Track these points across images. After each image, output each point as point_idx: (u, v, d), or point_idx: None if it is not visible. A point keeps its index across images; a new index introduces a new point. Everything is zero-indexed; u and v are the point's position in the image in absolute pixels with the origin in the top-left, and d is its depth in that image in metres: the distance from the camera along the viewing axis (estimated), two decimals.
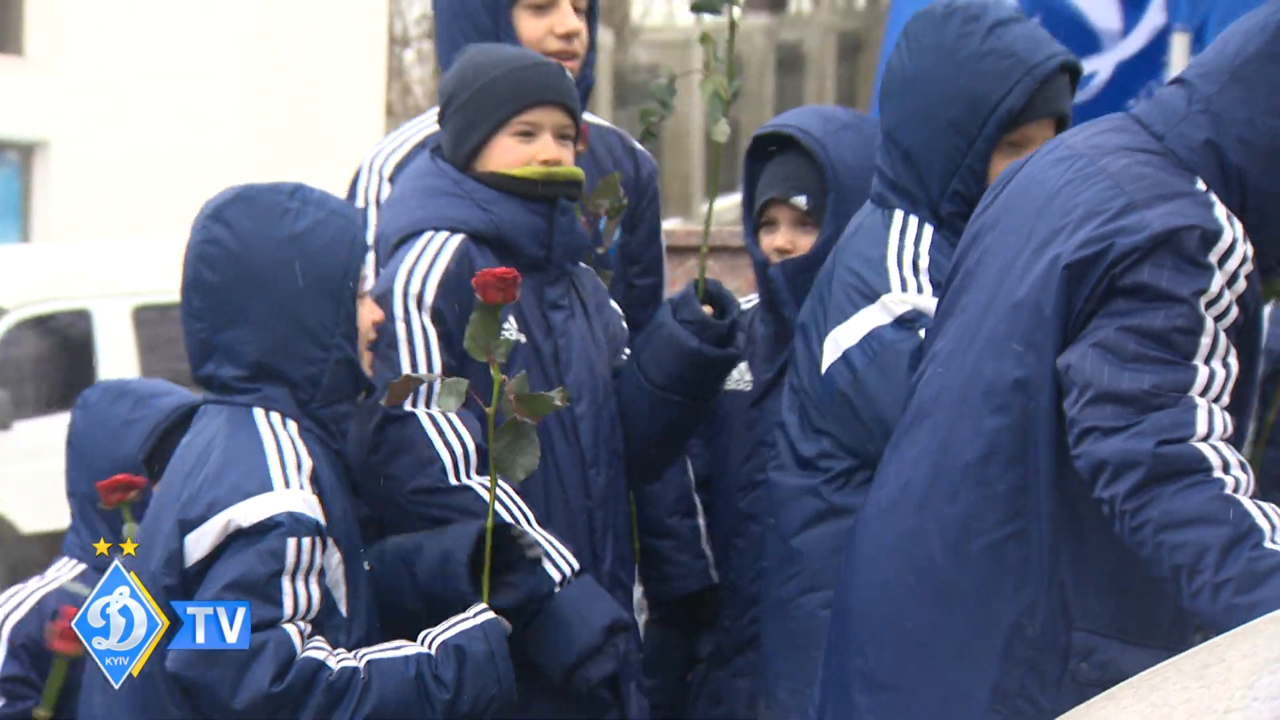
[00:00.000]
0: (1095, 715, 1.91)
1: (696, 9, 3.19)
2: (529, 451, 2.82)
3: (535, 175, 3.16)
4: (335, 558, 2.83)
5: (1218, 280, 2.54)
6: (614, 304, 3.40)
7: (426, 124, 3.53)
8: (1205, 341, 2.52)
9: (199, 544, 2.76)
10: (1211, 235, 2.56)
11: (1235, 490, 2.47)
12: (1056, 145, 2.77)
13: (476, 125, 3.18)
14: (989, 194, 2.83)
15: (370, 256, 3.17)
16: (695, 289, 3.26)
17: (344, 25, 20.56)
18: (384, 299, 3.07)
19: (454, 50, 3.34)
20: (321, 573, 2.80)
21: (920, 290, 2.93)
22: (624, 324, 3.40)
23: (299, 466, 2.82)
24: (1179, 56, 4.74)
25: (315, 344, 2.87)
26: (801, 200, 3.40)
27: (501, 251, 3.13)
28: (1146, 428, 2.48)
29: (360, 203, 3.47)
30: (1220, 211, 2.59)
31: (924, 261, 2.97)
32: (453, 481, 3.03)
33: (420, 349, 3.07)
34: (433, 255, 3.12)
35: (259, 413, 2.89)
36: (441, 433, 3.03)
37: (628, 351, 3.34)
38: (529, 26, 3.39)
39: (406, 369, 3.05)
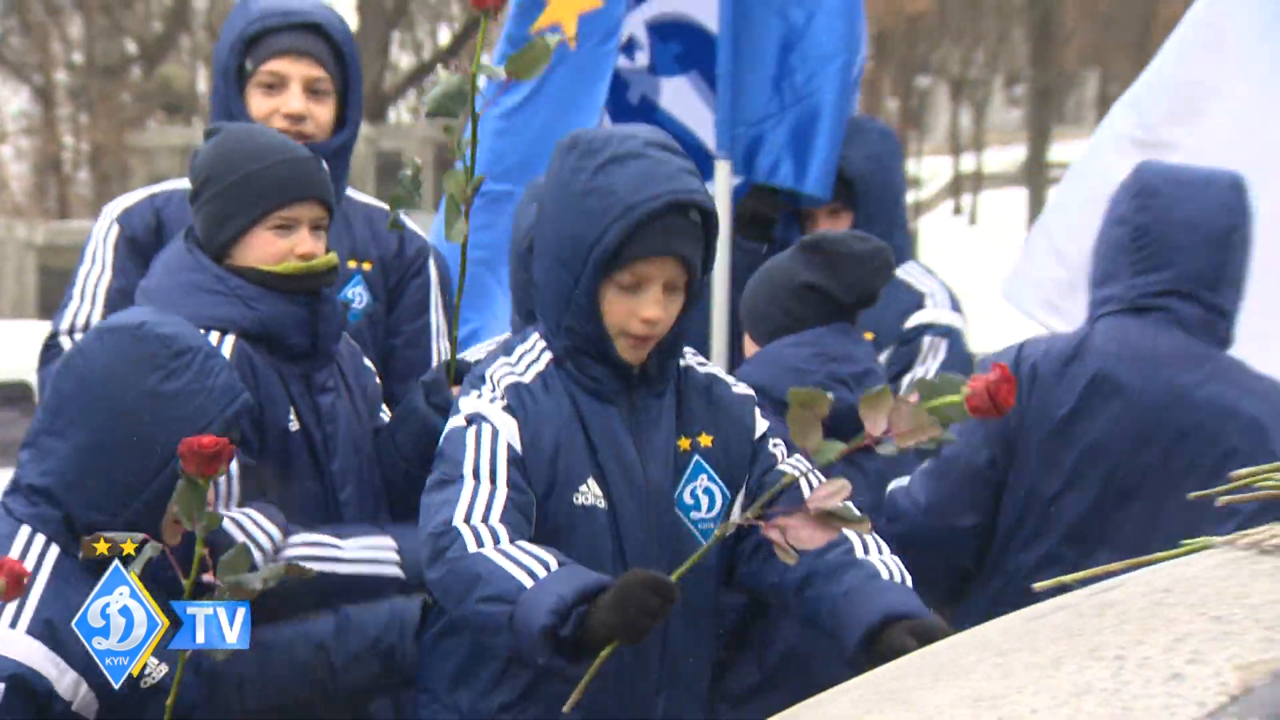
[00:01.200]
0: None
1: (433, 114, 3.10)
2: None
3: (296, 270, 3.17)
4: (81, 690, 2.77)
5: None
6: (367, 361, 3.45)
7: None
8: None
9: None
10: None
11: None
12: None
13: (234, 216, 3.16)
14: None
15: None
16: (446, 371, 3.27)
17: None
18: None
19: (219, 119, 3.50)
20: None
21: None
22: (377, 379, 3.44)
23: (21, 609, 2.76)
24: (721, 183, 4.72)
25: (110, 498, 2.82)
26: None
27: (270, 345, 3.16)
28: None
29: (92, 247, 3.51)
30: None
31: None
32: None
33: None
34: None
35: (24, 531, 2.84)
36: (246, 532, 3.05)
37: (385, 412, 3.40)
38: (258, 105, 3.52)
39: None
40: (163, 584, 2.55)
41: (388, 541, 3.16)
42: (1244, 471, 2.04)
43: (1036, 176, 34.32)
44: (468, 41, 36.14)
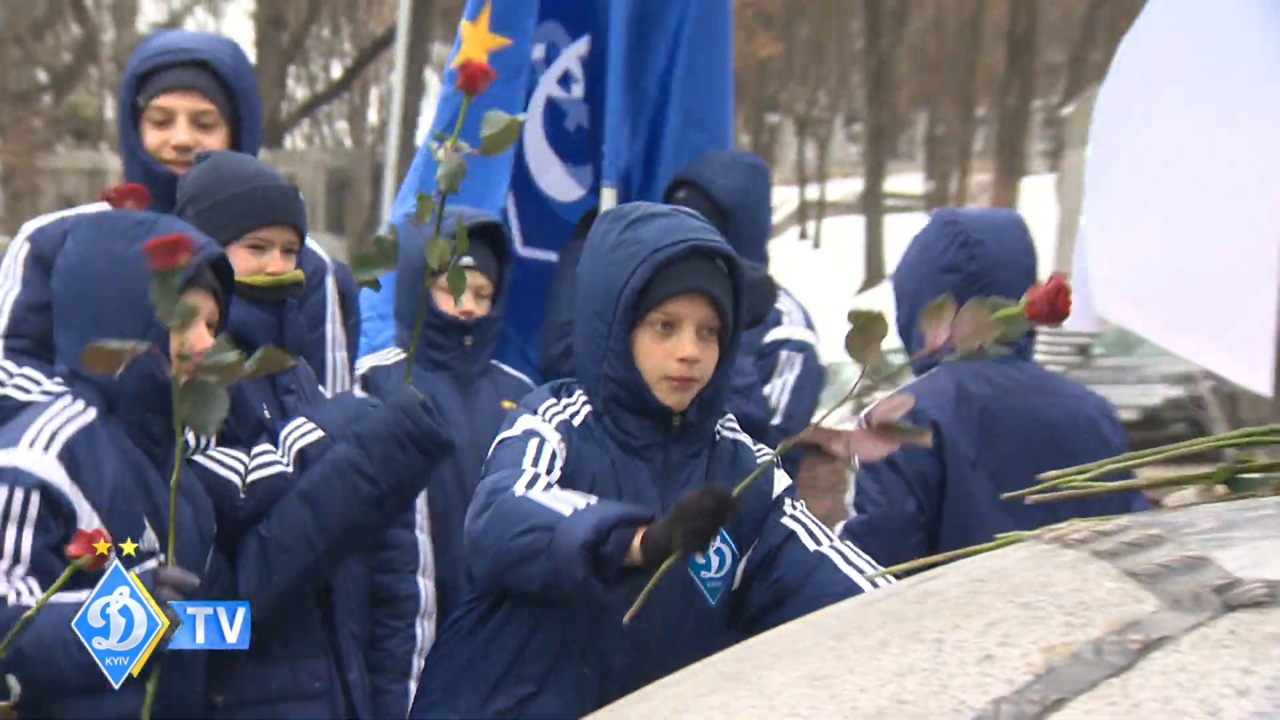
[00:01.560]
0: None
1: (359, 269, 3.06)
2: (217, 407, 2.59)
3: (265, 283, 3.26)
4: (95, 524, 2.74)
5: None
6: (321, 389, 3.51)
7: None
8: None
9: None
10: None
11: None
12: None
13: (215, 234, 3.17)
14: None
15: None
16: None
17: None
18: None
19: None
20: (47, 529, 2.72)
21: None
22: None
23: (54, 436, 2.78)
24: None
25: None
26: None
27: (241, 345, 3.03)
28: None
29: (6, 261, 3.49)
30: None
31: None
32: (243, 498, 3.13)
33: None
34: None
35: (65, 398, 2.88)
36: (223, 464, 3.11)
37: None
38: (151, 137, 3.52)
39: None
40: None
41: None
42: (1051, 474, 2.07)
43: (872, 205, 34.78)
44: (359, 75, 35.92)
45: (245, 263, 3.25)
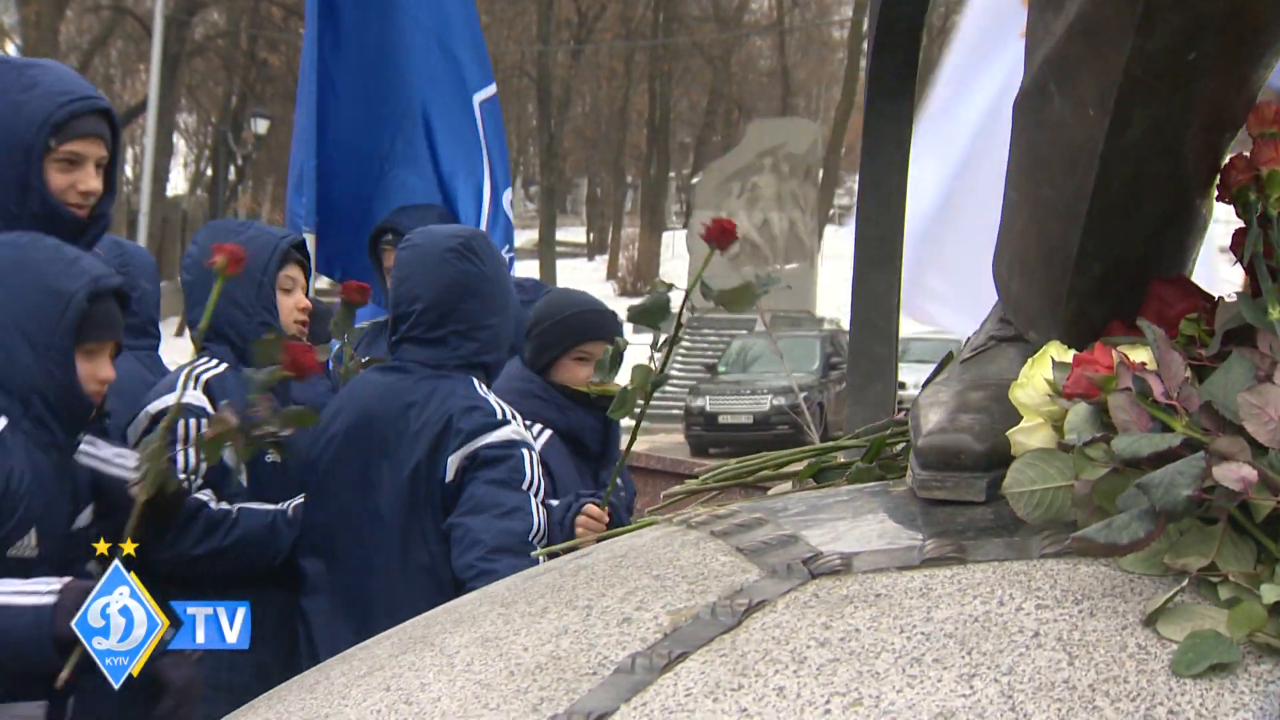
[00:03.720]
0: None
1: (633, 320, 2.64)
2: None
3: (594, 392, 3.14)
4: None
5: None
6: None
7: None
8: None
9: None
10: None
11: None
12: None
13: (551, 347, 3.29)
14: None
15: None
16: None
17: None
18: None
19: None
20: None
21: None
22: None
23: None
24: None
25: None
26: None
27: (573, 445, 3.30)
28: None
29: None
30: None
31: None
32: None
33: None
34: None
35: None
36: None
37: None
38: (56, 179, 2.96)
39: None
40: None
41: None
42: (702, 470, 2.05)
43: (546, 252, 35.01)
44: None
45: (574, 371, 3.31)
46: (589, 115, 41.32)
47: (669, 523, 1.68)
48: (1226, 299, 1.42)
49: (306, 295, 3.20)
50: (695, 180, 35.14)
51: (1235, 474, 1.08)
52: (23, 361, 2.45)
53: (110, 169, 3.11)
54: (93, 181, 3.01)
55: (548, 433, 3.25)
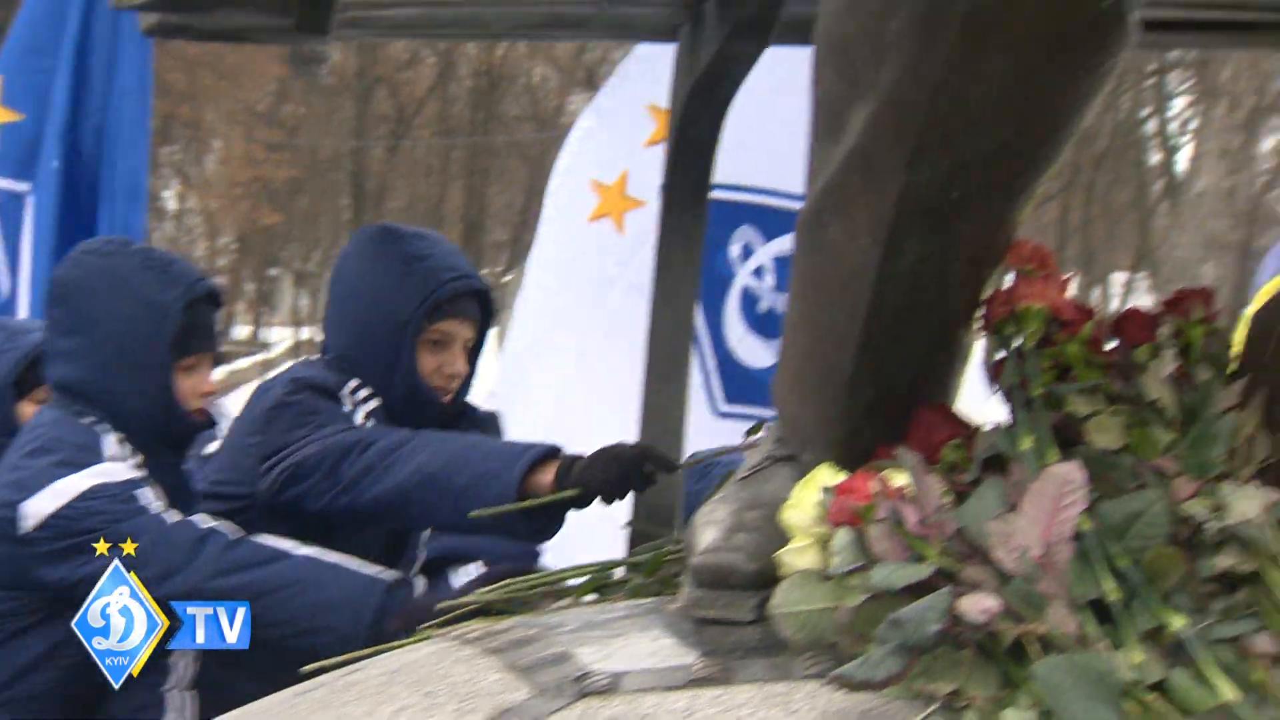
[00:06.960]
0: None
1: None
2: None
3: None
4: None
5: None
6: None
7: None
8: None
9: None
10: None
11: None
12: None
13: None
14: None
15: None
16: None
17: None
18: None
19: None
20: None
21: None
22: None
23: None
24: None
25: None
26: None
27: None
28: None
29: None
30: None
31: None
32: None
33: None
34: None
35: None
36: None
37: None
38: (427, 361, 2.71)
39: None
40: None
41: None
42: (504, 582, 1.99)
43: None
44: None
45: None
46: (405, 210, 41.28)
47: (444, 637, 1.66)
48: (985, 428, 1.48)
49: None
50: (507, 279, 35.26)
51: (979, 606, 1.12)
52: (119, 386, 2.31)
53: (474, 351, 2.84)
54: (460, 364, 2.75)
55: None
